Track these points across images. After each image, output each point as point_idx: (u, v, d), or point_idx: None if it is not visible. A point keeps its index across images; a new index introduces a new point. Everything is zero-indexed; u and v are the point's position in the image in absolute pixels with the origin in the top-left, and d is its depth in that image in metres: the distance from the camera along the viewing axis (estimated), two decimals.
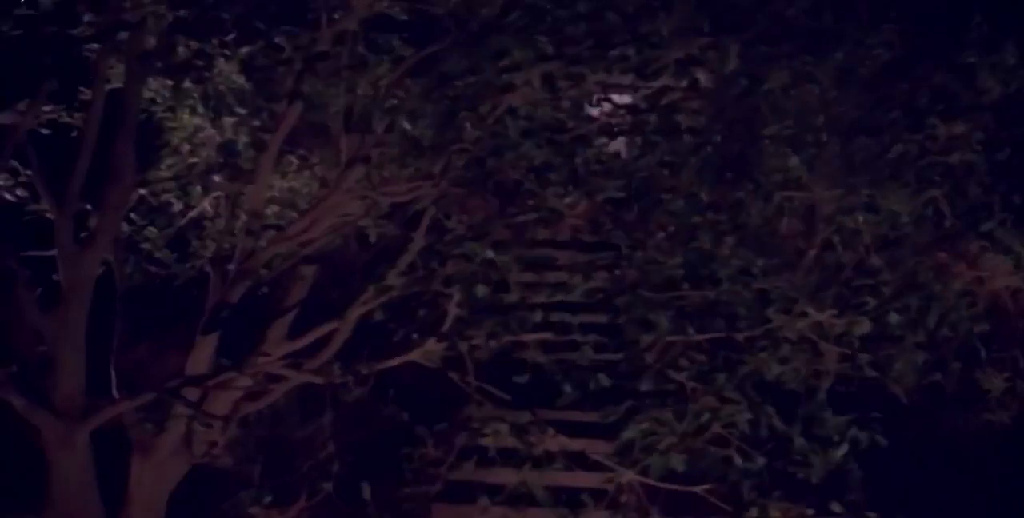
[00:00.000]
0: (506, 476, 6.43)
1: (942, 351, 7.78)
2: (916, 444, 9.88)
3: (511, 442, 6.52)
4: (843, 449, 6.53)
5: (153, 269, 8.85)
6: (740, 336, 6.46)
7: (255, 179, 7.59)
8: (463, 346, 6.67)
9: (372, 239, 8.57)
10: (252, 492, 7.35)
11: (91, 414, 7.37)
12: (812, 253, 7.73)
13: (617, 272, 6.43)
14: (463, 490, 8.74)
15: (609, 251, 6.67)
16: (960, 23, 7.75)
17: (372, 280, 6.76)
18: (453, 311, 6.60)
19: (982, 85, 7.20)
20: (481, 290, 6.29)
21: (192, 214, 9.11)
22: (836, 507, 6.52)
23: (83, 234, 7.57)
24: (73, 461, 7.38)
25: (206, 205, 9.15)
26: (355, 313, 6.87)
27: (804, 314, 6.41)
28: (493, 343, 6.48)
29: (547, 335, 6.76)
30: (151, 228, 9.09)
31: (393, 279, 6.58)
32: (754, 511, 6.50)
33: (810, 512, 6.53)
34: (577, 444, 6.71)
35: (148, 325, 8.27)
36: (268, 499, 7.17)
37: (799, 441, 6.44)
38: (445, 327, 6.56)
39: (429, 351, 6.86)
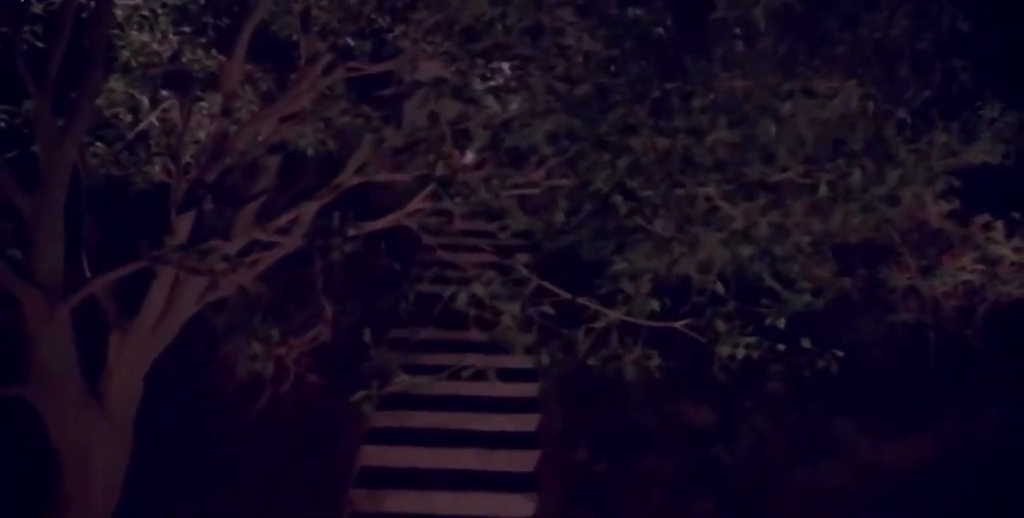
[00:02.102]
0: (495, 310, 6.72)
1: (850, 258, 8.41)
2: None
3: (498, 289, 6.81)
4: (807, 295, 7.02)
5: (114, 172, 9.00)
6: (713, 187, 6.89)
7: (231, 57, 7.88)
8: (448, 203, 7.00)
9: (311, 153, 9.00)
10: (257, 328, 7.47)
11: (71, 291, 7.52)
12: None
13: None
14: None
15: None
16: None
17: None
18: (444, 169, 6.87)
19: None
20: (480, 134, 6.59)
21: (142, 126, 9.29)
22: (806, 342, 6.98)
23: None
24: (55, 335, 7.48)
25: (153, 120, 9.35)
26: (352, 169, 7.18)
27: (785, 169, 6.90)
28: (484, 194, 6.80)
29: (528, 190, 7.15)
30: (99, 144, 9.30)
31: (391, 135, 6.86)
32: (727, 346, 6.93)
33: (781, 347, 6.93)
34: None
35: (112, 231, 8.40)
36: (276, 335, 7.32)
37: (770, 281, 6.93)
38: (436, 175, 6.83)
39: (415, 211, 7.21)
